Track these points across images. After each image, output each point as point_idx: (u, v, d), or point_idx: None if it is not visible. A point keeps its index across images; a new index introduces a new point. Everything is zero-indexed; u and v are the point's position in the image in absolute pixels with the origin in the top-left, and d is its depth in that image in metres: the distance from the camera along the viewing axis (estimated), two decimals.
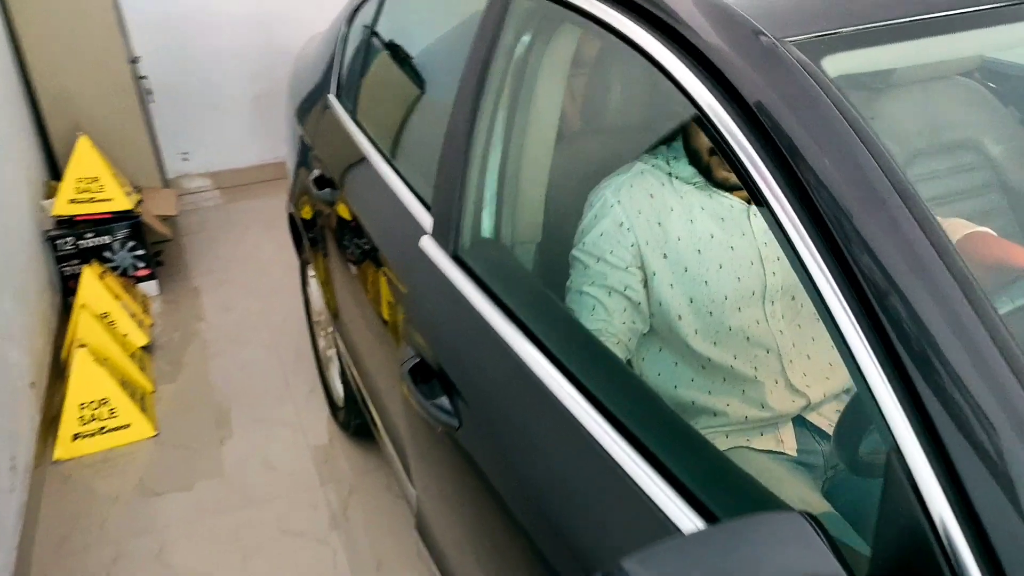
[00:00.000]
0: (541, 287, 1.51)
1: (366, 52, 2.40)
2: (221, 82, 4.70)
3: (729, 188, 1.52)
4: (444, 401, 1.41)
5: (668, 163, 1.56)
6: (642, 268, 1.51)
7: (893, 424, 0.78)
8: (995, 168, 1.74)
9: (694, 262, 1.49)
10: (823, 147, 0.90)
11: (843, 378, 1.55)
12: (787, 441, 1.53)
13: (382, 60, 2.35)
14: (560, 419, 1.16)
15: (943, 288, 0.80)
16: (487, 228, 1.58)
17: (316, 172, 2.42)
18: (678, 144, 1.58)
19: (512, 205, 1.58)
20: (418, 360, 1.52)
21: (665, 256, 1.50)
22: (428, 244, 1.64)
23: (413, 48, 2.29)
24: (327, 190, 2.30)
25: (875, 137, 0.90)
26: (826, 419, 1.56)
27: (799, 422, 1.56)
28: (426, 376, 1.49)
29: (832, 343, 0.86)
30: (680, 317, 1.51)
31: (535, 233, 1.61)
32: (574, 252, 1.55)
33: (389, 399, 1.95)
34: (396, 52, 2.32)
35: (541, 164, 1.59)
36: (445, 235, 1.59)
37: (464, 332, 1.45)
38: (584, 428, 1.13)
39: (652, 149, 1.60)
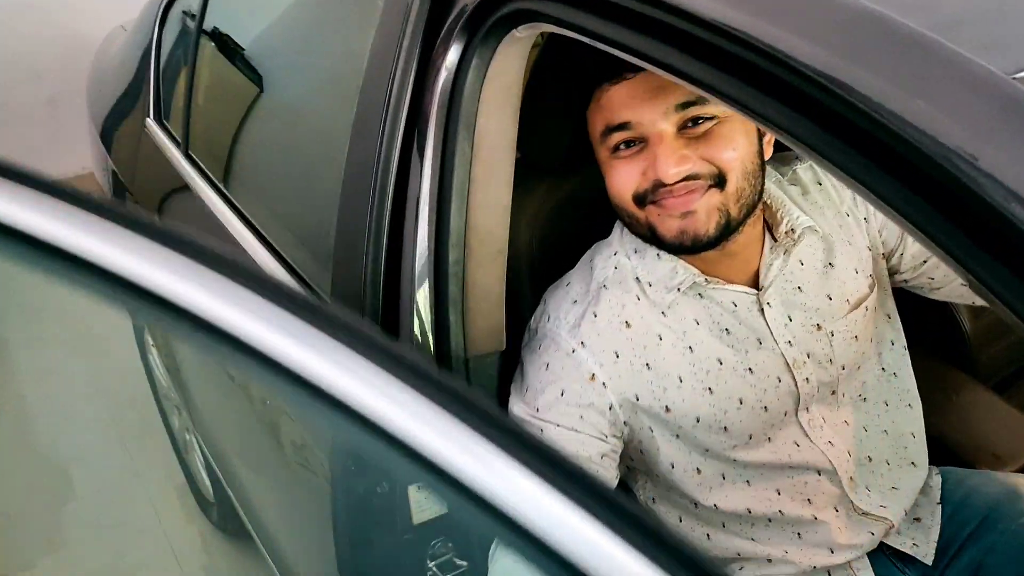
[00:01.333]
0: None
1: (195, 57, 1.76)
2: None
3: (722, 272, 1.07)
4: None
5: (628, 257, 1.08)
6: (628, 434, 1.07)
7: None
8: None
9: (706, 408, 1.05)
10: None
11: (911, 476, 1.16)
12: None
13: (221, 68, 1.71)
14: None
15: None
16: (424, 331, 1.05)
17: None
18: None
19: (458, 297, 1.05)
20: None
21: (668, 410, 1.05)
22: None
23: (266, 48, 1.67)
24: None
25: None
26: (905, 536, 1.14)
27: (873, 553, 1.16)
28: None
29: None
30: (699, 471, 1.08)
31: (497, 340, 1.09)
32: (518, 413, 1.06)
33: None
34: (240, 57, 1.69)
35: (498, 233, 1.07)
36: None
37: None
38: None
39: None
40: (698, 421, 1.05)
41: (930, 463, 1.20)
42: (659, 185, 0.99)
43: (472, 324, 1.05)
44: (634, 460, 1.12)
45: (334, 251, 1.13)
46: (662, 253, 1.06)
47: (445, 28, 1.02)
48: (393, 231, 1.06)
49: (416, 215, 1.04)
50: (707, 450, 1.07)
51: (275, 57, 1.56)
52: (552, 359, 1.05)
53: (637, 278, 1.07)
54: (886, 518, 1.11)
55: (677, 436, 1.06)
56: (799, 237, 1.04)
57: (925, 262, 1.12)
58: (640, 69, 0.98)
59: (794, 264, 1.08)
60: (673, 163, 0.97)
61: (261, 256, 1.34)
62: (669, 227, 1.01)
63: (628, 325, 1.05)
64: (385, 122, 1.05)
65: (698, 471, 1.07)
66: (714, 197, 0.99)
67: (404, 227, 1.05)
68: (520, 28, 0.96)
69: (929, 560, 1.13)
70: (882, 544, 1.14)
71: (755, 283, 1.08)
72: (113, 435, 2.68)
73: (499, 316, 1.07)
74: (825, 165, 0.65)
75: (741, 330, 1.07)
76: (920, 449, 1.18)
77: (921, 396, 1.19)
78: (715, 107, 0.99)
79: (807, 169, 1.15)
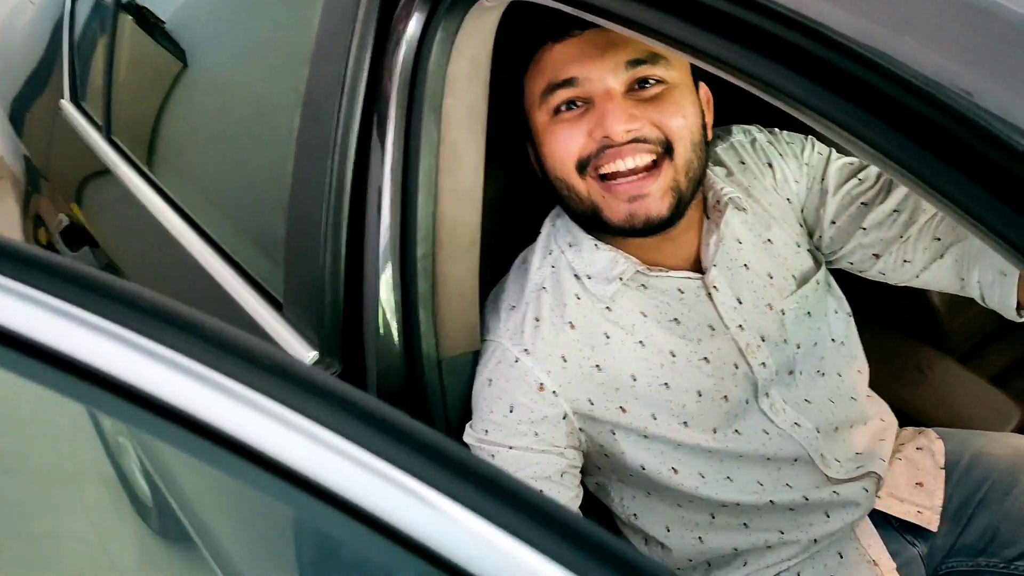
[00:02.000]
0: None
1: (113, 32, 1.60)
2: None
3: (668, 260, 1.02)
4: None
5: (563, 251, 1.01)
6: (587, 442, 1.01)
7: None
8: None
9: (662, 404, 0.99)
10: None
11: (876, 429, 1.12)
12: (882, 561, 1.07)
13: (144, 45, 1.56)
14: None
15: None
16: (390, 332, 0.96)
17: (63, 219, 1.63)
18: (559, 214, 1.05)
19: (428, 294, 0.96)
20: None
21: (624, 411, 0.98)
22: None
23: (194, 19, 1.53)
24: (86, 248, 1.54)
25: None
26: (908, 502, 1.10)
27: (878, 521, 1.11)
28: None
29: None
30: (675, 471, 1.01)
31: (472, 338, 1.00)
32: (467, 440, 0.99)
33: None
34: (161, 31, 1.55)
35: (469, 223, 0.98)
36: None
37: None
38: None
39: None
40: (655, 418, 0.99)
41: None
42: (606, 146, 0.92)
43: (444, 323, 0.97)
44: (602, 469, 1.06)
45: (286, 245, 1.02)
46: (600, 243, 1.00)
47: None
48: (353, 223, 0.96)
49: (378, 205, 0.94)
50: (679, 445, 1.01)
51: (205, 30, 1.43)
52: (495, 373, 0.98)
53: (576, 274, 1.00)
54: (871, 472, 1.07)
55: (645, 436, 1.00)
56: (724, 207, 0.99)
57: (843, 247, 1.08)
58: (588, 26, 0.92)
59: (732, 243, 1.03)
60: (623, 119, 0.91)
61: (198, 248, 1.23)
62: (616, 211, 0.95)
63: (572, 326, 0.98)
64: (340, 103, 0.94)
65: (674, 471, 1.01)
66: (667, 174, 0.93)
67: (365, 218, 0.95)
68: None
69: (934, 526, 1.09)
70: (888, 516, 1.10)
71: (698, 267, 1.03)
72: (40, 437, 2.51)
73: (473, 313, 0.99)
74: (791, 103, 0.61)
75: (691, 318, 1.01)
76: (876, 404, 1.14)
77: (895, 373, 1.15)
78: (665, 70, 0.94)
79: (728, 149, 1.10)
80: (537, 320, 0.98)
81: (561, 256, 1.02)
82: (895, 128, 0.57)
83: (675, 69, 0.95)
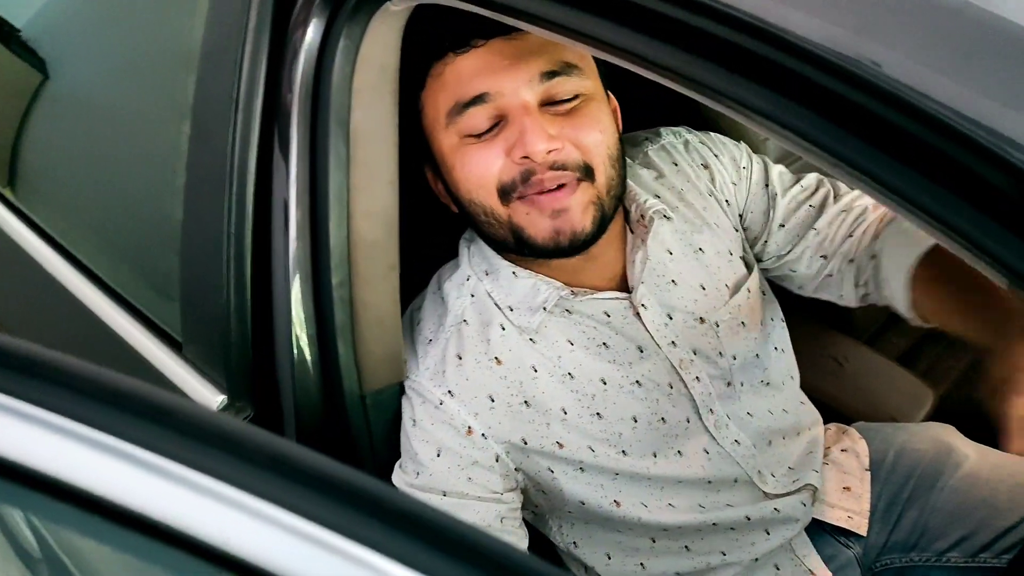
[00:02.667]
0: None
1: None
2: None
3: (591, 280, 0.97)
4: None
5: (480, 280, 0.95)
6: (525, 481, 0.96)
7: None
8: None
9: (598, 435, 0.95)
10: None
11: (807, 439, 1.10)
12: (818, 570, 1.07)
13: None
14: None
15: None
16: (306, 368, 0.88)
17: None
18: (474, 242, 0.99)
19: (347, 325, 0.88)
20: None
21: (561, 445, 0.93)
22: None
23: (54, 28, 1.38)
24: None
25: None
26: (838, 508, 1.10)
27: (811, 528, 1.09)
28: None
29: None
30: (618, 503, 0.97)
31: (396, 369, 0.93)
32: (398, 483, 0.93)
33: None
34: (17, 39, 1.40)
35: (387, 246, 0.91)
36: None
37: None
38: None
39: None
40: (592, 451, 0.95)
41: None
42: (530, 172, 0.86)
43: (365, 354, 0.89)
44: (541, 507, 1.01)
45: (182, 278, 0.93)
46: (518, 270, 0.94)
47: (301, 2, 0.84)
48: (258, 251, 0.88)
49: (285, 231, 0.86)
50: (616, 475, 0.97)
51: (69, 38, 1.30)
52: (419, 414, 0.92)
53: (497, 304, 0.94)
54: (807, 484, 1.06)
55: (581, 470, 0.96)
56: (649, 222, 0.95)
57: (788, 252, 1.06)
58: (491, 35, 0.86)
59: (661, 255, 0.99)
60: (543, 138, 0.84)
61: (76, 284, 1.11)
62: (540, 228, 0.88)
63: (498, 362, 0.92)
64: (235, 119, 0.86)
65: (616, 504, 0.97)
66: (587, 191, 0.88)
67: (272, 246, 0.87)
68: (395, 0, 0.80)
69: (864, 530, 1.09)
70: (821, 521, 1.10)
71: (624, 286, 0.98)
72: None
73: (396, 342, 0.92)
74: (731, 106, 0.58)
75: (619, 341, 0.96)
76: (807, 411, 1.13)
77: (814, 364, 1.15)
78: (580, 81, 0.89)
79: (659, 151, 1.06)
80: (459, 357, 0.92)
81: (479, 284, 0.95)
82: (861, 137, 0.54)
83: (589, 79, 0.90)
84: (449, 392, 0.90)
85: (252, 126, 0.85)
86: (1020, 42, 0.47)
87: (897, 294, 0.97)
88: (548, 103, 0.87)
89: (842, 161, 0.55)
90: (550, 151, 0.85)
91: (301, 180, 0.86)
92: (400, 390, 0.93)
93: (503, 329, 0.93)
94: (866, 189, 0.55)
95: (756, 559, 1.04)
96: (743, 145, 1.10)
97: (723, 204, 1.05)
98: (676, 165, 1.05)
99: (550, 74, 0.86)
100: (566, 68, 0.87)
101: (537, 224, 0.88)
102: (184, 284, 0.93)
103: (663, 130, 1.09)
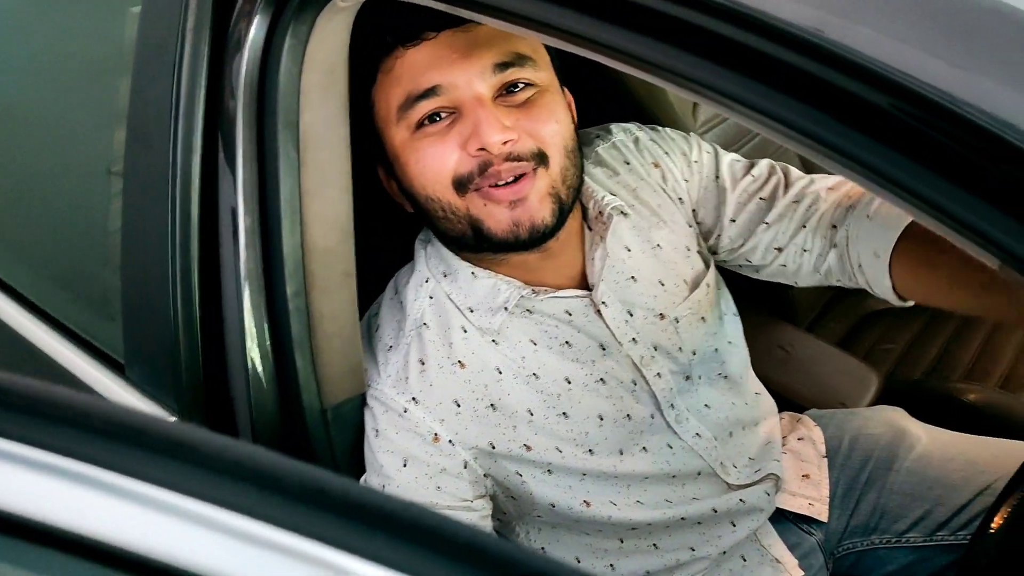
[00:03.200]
0: None
1: None
2: None
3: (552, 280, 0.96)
4: None
5: (439, 282, 0.93)
6: (494, 487, 0.94)
7: None
8: None
9: (564, 435, 0.93)
10: None
11: (766, 429, 1.11)
12: (784, 559, 1.07)
13: None
14: None
15: None
16: (262, 385, 0.84)
17: None
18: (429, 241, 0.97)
19: (304, 336, 0.84)
20: None
21: (529, 448, 0.92)
22: None
23: None
24: None
25: None
26: (799, 496, 1.11)
27: (774, 517, 1.10)
28: None
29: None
30: (588, 504, 0.96)
31: (357, 381, 0.90)
32: None
33: None
34: None
35: (342, 252, 0.87)
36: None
37: None
38: None
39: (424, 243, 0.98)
40: (560, 452, 0.94)
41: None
42: (487, 164, 0.84)
43: (325, 367, 0.85)
44: (508, 513, 0.99)
45: (124, 295, 0.87)
46: (477, 270, 0.93)
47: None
48: (206, 263, 0.83)
49: (234, 241, 0.82)
50: (584, 475, 0.96)
51: None
52: (382, 423, 0.89)
53: (457, 306, 0.92)
54: (770, 474, 1.07)
55: (549, 472, 0.94)
56: (608, 218, 0.94)
57: (742, 246, 1.07)
58: (442, 27, 0.84)
59: (620, 252, 0.99)
60: (498, 128, 0.83)
61: (6, 311, 1.03)
62: (499, 220, 0.86)
63: (462, 365, 0.90)
64: (175, 125, 0.81)
65: (586, 504, 0.96)
66: (543, 180, 0.87)
67: (220, 259, 0.82)
68: None
69: (825, 517, 1.10)
70: (782, 511, 1.10)
71: (584, 284, 0.97)
72: None
73: (356, 352, 0.88)
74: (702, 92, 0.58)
75: (581, 340, 0.95)
76: (765, 402, 1.14)
77: (762, 354, 1.16)
78: (534, 71, 0.87)
79: (611, 148, 1.05)
80: (422, 363, 0.89)
81: (438, 287, 0.93)
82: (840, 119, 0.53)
83: (543, 71, 0.89)
84: (413, 399, 0.88)
85: (194, 130, 0.81)
86: (1008, 20, 0.47)
87: (878, 280, 0.97)
88: (501, 94, 0.85)
89: (826, 147, 0.54)
90: (506, 142, 0.83)
91: (249, 186, 0.81)
92: (362, 402, 0.90)
93: (464, 332, 0.91)
94: (853, 176, 0.54)
95: (724, 552, 1.04)
96: (693, 136, 1.10)
97: (676, 202, 1.05)
98: (628, 164, 1.05)
99: (503, 65, 0.85)
100: (519, 59, 0.86)
101: (495, 216, 0.86)
102: (126, 300, 0.87)
103: (613, 127, 1.08)
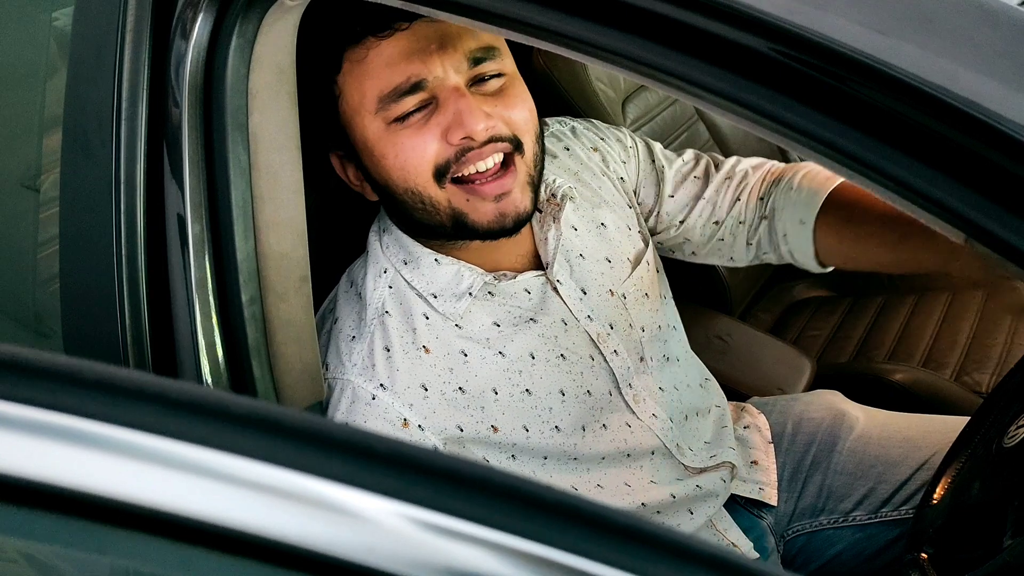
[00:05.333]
0: None
1: None
2: None
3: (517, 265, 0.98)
4: None
5: (399, 270, 0.94)
6: None
7: None
8: None
9: (530, 413, 0.95)
10: None
11: (718, 417, 1.15)
12: (740, 542, 1.10)
13: None
14: None
15: None
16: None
17: None
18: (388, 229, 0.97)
19: (260, 343, 0.82)
20: None
21: (495, 429, 0.92)
22: None
23: None
24: None
25: None
26: (749, 481, 1.15)
27: (728, 506, 1.13)
28: None
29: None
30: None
31: (315, 387, 0.88)
32: None
33: None
34: None
35: (297, 256, 0.85)
36: None
37: None
38: None
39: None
40: (527, 430, 0.94)
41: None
42: (467, 148, 0.85)
43: (283, 374, 0.83)
44: None
45: (65, 314, 0.83)
46: (440, 257, 0.93)
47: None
48: (154, 274, 0.80)
49: (183, 250, 0.79)
50: (545, 458, 0.96)
51: None
52: (351, 414, 0.88)
53: (419, 293, 0.92)
54: (725, 461, 1.09)
55: (513, 456, 0.94)
56: (561, 200, 0.97)
57: (682, 222, 1.11)
58: (414, 18, 0.84)
59: (568, 232, 1.02)
60: (481, 117, 0.84)
61: None
62: (484, 213, 0.88)
63: (427, 350, 0.91)
64: (117, 131, 0.78)
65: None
66: (521, 169, 0.89)
67: (169, 269, 0.79)
68: None
69: (775, 500, 1.14)
70: (733, 496, 1.13)
71: (537, 263, 1.00)
72: None
73: (314, 358, 0.86)
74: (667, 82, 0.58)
75: (544, 316, 0.97)
76: (714, 389, 1.17)
77: (701, 345, 1.19)
78: (502, 61, 0.89)
79: (550, 137, 1.08)
80: (387, 350, 0.89)
81: (397, 275, 0.93)
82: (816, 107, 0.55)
83: (508, 59, 0.91)
84: (381, 385, 0.87)
85: (138, 135, 0.78)
86: (977, 5, 0.49)
87: (801, 247, 1.04)
88: (475, 84, 0.87)
89: (793, 130, 0.56)
90: (487, 128, 0.85)
91: (197, 192, 0.79)
92: (321, 408, 0.88)
93: (427, 318, 0.92)
94: (815, 156, 0.56)
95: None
96: (624, 128, 1.15)
97: (616, 182, 1.09)
98: (568, 149, 1.08)
99: (477, 58, 0.86)
100: (490, 51, 0.87)
101: (480, 209, 0.88)
102: (67, 317, 0.83)
103: (548, 120, 1.11)
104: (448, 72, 0.84)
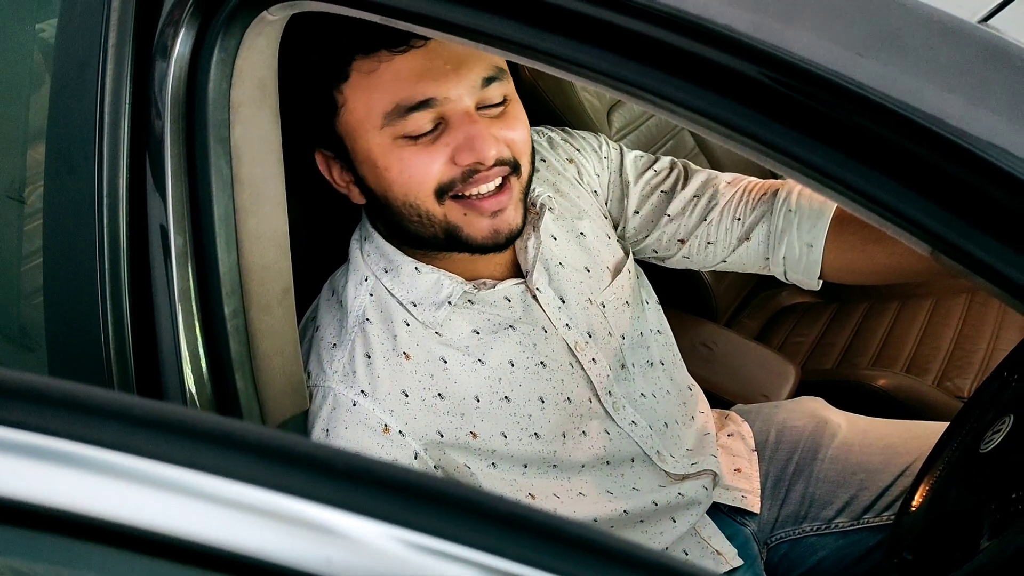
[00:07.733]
0: None
1: None
2: None
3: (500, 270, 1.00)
4: None
5: (379, 278, 0.95)
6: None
7: None
8: None
9: (508, 420, 0.95)
10: None
11: (701, 424, 1.15)
12: (724, 549, 1.10)
13: None
14: None
15: None
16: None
17: None
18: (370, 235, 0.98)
19: (244, 356, 0.83)
20: None
21: (474, 435, 0.93)
22: None
23: None
24: None
25: None
26: (732, 489, 1.15)
27: (711, 513, 1.13)
28: None
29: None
30: (532, 496, 0.98)
31: (299, 398, 0.88)
32: None
33: None
34: None
35: (280, 269, 0.86)
36: None
37: None
38: None
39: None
40: (506, 436, 0.95)
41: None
42: (473, 171, 0.86)
43: (266, 386, 0.84)
44: None
45: (48, 326, 0.83)
46: (421, 265, 0.94)
47: (165, 13, 0.78)
48: (137, 287, 0.80)
49: (166, 262, 0.79)
50: (526, 465, 0.97)
51: None
52: (332, 422, 0.88)
53: (399, 301, 0.93)
54: (706, 469, 1.10)
55: (494, 464, 0.95)
56: (540, 209, 0.98)
57: (648, 235, 1.11)
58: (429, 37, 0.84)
59: (548, 241, 1.03)
60: (492, 143, 0.86)
61: None
62: (479, 228, 0.89)
63: (408, 357, 0.92)
64: (99, 146, 0.78)
65: (531, 496, 0.97)
66: (516, 188, 0.91)
67: (152, 281, 0.80)
68: (273, 8, 0.76)
69: (758, 508, 1.14)
70: (717, 504, 1.14)
71: (517, 272, 1.01)
72: None
73: (297, 370, 0.87)
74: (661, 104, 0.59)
75: (524, 324, 0.98)
76: (698, 397, 1.18)
77: (687, 352, 1.20)
78: (508, 84, 0.90)
79: None
80: (368, 356, 0.90)
81: (378, 283, 0.94)
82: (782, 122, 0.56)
83: (511, 81, 0.92)
84: (362, 391, 0.88)
85: (120, 148, 0.78)
86: (939, 23, 0.51)
87: (807, 269, 1.04)
88: (481, 107, 0.88)
89: (764, 144, 0.57)
90: (495, 154, 0.86)
91: (179, 204, 0.79)
92: (305, 419, 0.88)
93: (407, 325, 0.92)
94: (786, 170, 0.57)
95: (666, 548, 1.06)
96: (601, 135, 1.15)
97: (592, 194, 1.10)
98: (545, 160, 1.09)
99: (489, 80, 0.87)
100: (500, 72, 0.88)
101: (475, 224, 0.89)
102: (51, 330, 0.83)
103: None
104: (461, 94, 0.85)
